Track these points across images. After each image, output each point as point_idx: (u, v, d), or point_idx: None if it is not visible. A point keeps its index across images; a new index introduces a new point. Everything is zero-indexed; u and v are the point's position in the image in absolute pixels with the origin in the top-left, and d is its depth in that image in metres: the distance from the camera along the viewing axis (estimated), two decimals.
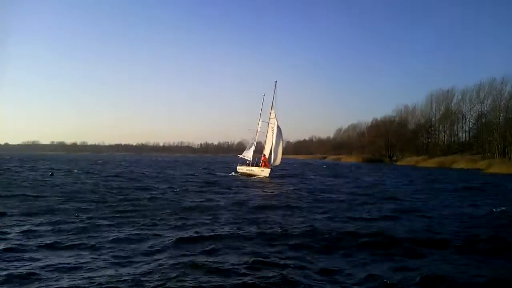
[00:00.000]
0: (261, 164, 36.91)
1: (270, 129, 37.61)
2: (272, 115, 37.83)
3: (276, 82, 38.11)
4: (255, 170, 36.95)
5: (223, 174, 39.58)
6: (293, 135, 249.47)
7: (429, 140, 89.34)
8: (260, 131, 39.83)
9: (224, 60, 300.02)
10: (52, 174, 34.82)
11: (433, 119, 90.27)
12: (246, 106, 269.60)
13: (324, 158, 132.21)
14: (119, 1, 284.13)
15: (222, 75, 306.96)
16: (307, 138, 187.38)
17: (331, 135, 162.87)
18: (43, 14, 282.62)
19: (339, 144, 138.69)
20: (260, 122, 39.84)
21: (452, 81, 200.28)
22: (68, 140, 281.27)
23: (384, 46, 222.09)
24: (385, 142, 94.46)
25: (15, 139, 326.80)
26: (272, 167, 35.71)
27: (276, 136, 35.83)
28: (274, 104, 37.97)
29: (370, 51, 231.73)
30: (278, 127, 36.29)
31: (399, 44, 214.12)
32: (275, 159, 35.97)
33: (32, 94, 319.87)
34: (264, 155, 37.93)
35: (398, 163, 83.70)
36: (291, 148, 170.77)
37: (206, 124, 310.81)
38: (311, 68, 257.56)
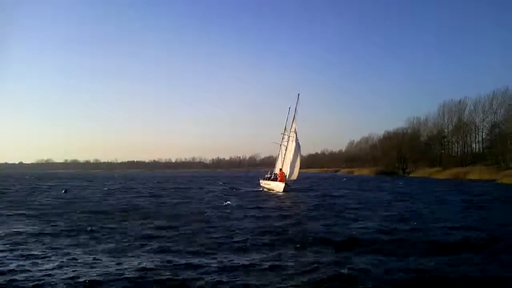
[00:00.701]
0: (278, 179, 36.77)
1: (291, 142, 37.27)
2: (293, 129, 37.25)
3: (299, 94, 37.78)
4: (271, 184, 37.12)
5: (244, 189, 39.46)
6: (305, 149, 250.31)
7: (442, 151, 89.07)
8: (281, 144, 39.93)
9: (232, 72, 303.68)
10: (65, 191, 35.77)
11: (446, 130, 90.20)
12: (256, 120, 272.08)
13: (337, 171, 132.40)
14: (125, 7, 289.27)
15: (231, 88, 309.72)
16: (318, 152, 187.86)
17: (343, 149, 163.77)
18: (52, 28, 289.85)
19: (351, 157, 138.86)
20: (285, 136, 39.44)
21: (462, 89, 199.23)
22: (81, 158, 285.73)
23: (389, 54, 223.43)
24: (398, 154, 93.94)
25: (28, 158, 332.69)
26: (289, 182, 35.44)
27: (295, 150, 35.70)
28: (295, 117, 37.33)
29: (376, 60, 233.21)
30: (297, 141, 35.97)
31: (409, 52, 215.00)
32: (291, 174, 35.75)
33: (44, 113, 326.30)
34: (280, 169, 37.76)
35: (411, 175, 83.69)
36: (303, 162, 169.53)
37: (217, 139, 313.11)
38: (322, 81, 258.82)
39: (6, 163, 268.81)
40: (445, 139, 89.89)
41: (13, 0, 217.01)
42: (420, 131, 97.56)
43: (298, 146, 35.98)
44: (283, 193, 32.68)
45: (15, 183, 53.65)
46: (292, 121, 37.46)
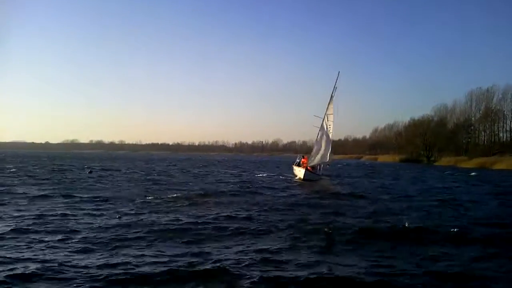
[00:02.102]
0: (302, 165, 33.42)
1: (325, 125, 33.49)
2: (330, 111, 33.48)
3: (339, 72, 34.01)
4: (296, 170, 34.27)
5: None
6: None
7: (469, 140, 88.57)
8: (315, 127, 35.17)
9: (253, 58, 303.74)
10: (91, 172, 35.47)
11: (473, 118, 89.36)
12: (280, 105, 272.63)
13: (360, 157, 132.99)
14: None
15: (253, 73, 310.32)
16: (342, 138, 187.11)
17: (367, 135, 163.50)
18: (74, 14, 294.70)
19: (375, 144, 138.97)
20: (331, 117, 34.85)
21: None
22: (106, 139, 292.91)
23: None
24: (423, 142, 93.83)
25: (55, 138, 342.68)
26: (317, 168, 32.87)
27: (320, 134, 32.98)
28: (333, 97, 33.31)
29: (402, 46, 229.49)
30: (327, 124, 32.82)
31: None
32: (311, 159, 32.82)
33: (70, 94, 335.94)
34: (303, 155, 35.20)
35: (436, 163, 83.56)
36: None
37: (240, 123, 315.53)
38: (346, 67, 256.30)
39: (33, 142, 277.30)
40: (471, 128, 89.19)
41: None
42: (447, 119, 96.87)
43: (325, 130, 32.92)
44: (303, 181, 30.20)
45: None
46: (328, 103, 33.70)
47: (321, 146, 32.78)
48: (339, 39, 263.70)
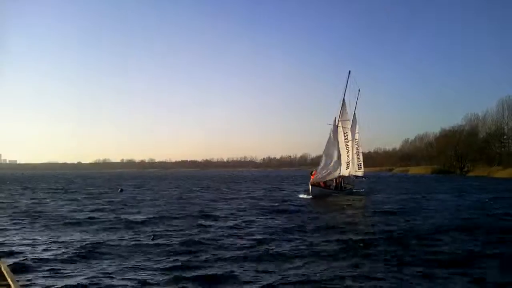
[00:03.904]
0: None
1: (340, 134, 30.44)
2: (345, 116, 30.52)
3: (349, 72, 30.64)
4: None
5: None
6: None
7: (502, 149, 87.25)
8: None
9: (277, 71, 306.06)
10: (121, 190, 36.26)
11: (505, 127, 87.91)
12: (308, 119, 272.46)
13: (391, 170, 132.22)
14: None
15: (283, 87, 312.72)
16: (371, 150, 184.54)
17: (397, 147, 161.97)
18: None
19: (406, 156, 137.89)
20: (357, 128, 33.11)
21: None
22: (137, 158, 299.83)
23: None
24: (455, 152, 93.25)
25: (87, 158, 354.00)
26: (334, 182, 30.53)
27: (327, 143, 29.51)
28: (345, 102, 30.53)
29: (432, 58, 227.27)
30: (333, 132, 29.75)
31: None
32: (319, 173, 29.09)
33: (102, 115, 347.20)
34: (315, 169, 30.85)
35: (469, 174, 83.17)
36: None
37: (268, 138, 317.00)
38: (376, 79, 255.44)
39: (65, 163, 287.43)
40: (504, 137, 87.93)
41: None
42: (478, 128, 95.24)
43: (336, 138, 29.66)
44: (309, 199, 27.53)
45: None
46: (341, 107, 30.56)
47: (332, 158, 29.08)
48: (367, 57, 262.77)
